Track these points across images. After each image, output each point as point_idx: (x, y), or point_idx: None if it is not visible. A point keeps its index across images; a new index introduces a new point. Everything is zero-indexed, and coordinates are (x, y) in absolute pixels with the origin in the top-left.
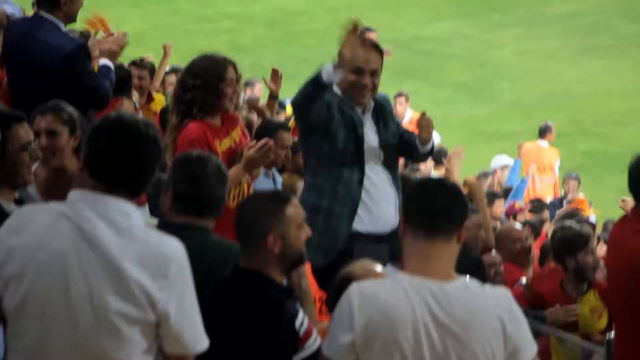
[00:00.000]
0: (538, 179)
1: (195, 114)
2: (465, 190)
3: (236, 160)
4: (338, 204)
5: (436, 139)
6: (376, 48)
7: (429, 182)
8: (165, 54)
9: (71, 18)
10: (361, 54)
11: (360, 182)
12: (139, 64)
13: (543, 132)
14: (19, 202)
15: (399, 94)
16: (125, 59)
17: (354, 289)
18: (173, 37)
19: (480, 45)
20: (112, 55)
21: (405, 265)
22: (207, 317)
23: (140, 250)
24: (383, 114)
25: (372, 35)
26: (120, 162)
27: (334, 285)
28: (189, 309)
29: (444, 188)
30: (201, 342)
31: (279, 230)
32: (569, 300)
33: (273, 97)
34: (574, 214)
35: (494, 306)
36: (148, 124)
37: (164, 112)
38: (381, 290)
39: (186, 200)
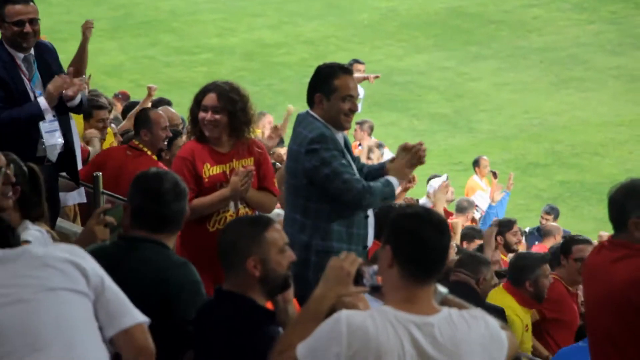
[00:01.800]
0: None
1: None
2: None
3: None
4: (354, 244)
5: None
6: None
7: (422, 227)
8: (149, 95)
9: (13, 43)
10: (352, 83)
11: (366, 217)
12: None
13: (474, 166)
14: None
15: (363, 122)
16: (104, 90)
17: (343, 318)
18: (151, 69)
19: (458, 77)
20: (49, 95)
21: (387, 294)
22: (194, 338)
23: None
24: (345, 138)
25: (361, 68)
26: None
27: None
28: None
29: (439, 233)
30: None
31: (260, 254)
32: None
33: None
34: None
35: (475, 335)
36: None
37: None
38: (370, 323)
39: (142, 215)
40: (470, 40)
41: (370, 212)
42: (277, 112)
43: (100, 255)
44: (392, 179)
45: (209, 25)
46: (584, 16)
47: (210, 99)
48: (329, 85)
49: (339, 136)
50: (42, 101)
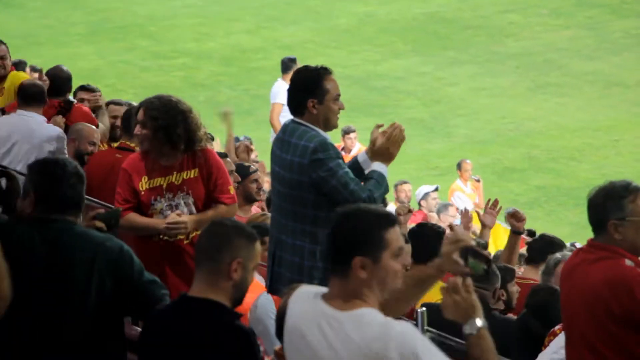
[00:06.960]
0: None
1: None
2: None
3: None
4: None
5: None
6: None
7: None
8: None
9: None
10: (336, 82)
11: None
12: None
13: (457, 169)
14: None
15: (349, 130)
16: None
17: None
18: (128, 73)
19: (435, 82)
20: None
21: None
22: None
23: None
24: None
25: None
26: None
27: (279, 314)
28: None
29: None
30: None
31: (244, 259)
32: None
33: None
34: None
35: (373, 339)
36: None
37: None
38: (297, 309)
39: (49, 199)
40: (448, 45)
41: None
42: (255, 117)
43: (19, 234)
44: (381, 168)
45: (186, 30)
46: (560, 21)
47: (140, 113)
48: (320, 89)
49: None
50: None
